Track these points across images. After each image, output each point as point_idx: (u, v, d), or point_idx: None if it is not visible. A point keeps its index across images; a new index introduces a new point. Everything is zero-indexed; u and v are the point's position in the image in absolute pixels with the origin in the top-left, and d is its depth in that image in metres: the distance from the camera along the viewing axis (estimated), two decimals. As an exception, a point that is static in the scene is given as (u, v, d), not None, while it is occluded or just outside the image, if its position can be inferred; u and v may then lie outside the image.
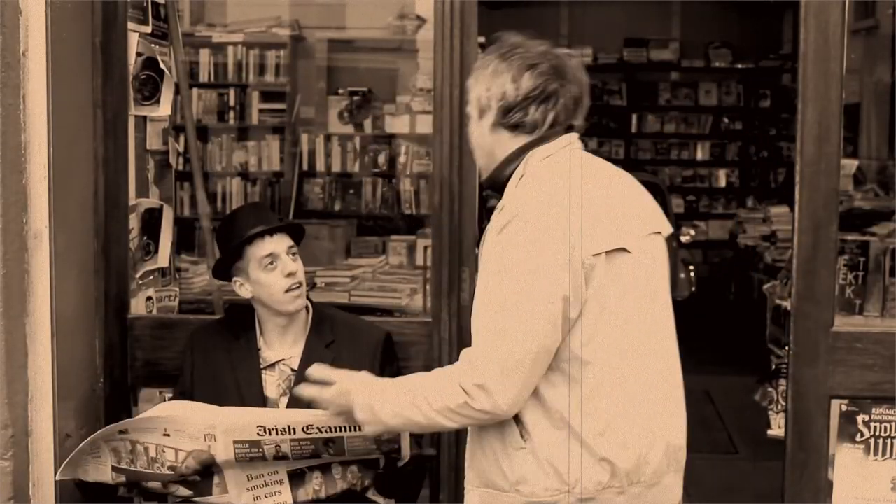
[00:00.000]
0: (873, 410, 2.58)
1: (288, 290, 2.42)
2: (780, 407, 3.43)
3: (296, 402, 2.42)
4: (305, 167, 5.87)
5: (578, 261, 1.83)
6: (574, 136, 2.00)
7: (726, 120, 8.58)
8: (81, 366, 2.63)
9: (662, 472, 1.92)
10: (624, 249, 1.89)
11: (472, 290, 2.66)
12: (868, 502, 2.60)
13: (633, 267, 1.90)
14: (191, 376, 2.51)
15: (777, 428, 3.37)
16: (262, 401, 2.45)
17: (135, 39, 2.78)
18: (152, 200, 3.02)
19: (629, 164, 7.80)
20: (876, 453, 2.59)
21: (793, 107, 2.58)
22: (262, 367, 2.48)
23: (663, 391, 1.95)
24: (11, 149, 2.38)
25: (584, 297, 1.84)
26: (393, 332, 2.61)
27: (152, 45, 2.89)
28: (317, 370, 2.09)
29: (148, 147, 3.00)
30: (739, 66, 8.31)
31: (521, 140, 1.97)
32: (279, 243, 2.44)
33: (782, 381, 3.18)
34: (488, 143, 2.01)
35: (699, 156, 8.66)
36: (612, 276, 1.87)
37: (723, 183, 8.67)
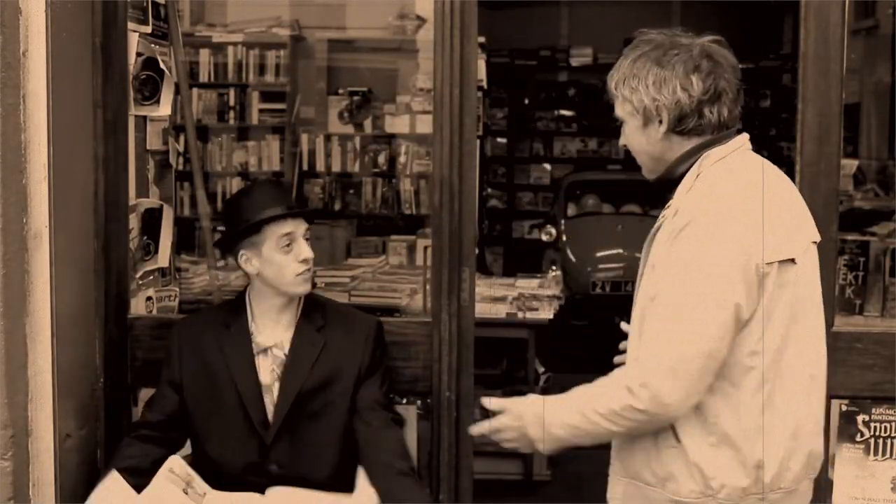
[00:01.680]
0: (873, 410, 2.59)
1: (299, 274, 2.43)
2: (780, 407, 3.42)
3: (287, 385, 2.43)
4: (305, 167, 5.88)
5: (753, 267, 1.81)
6: (745, 136, 1.97)
7: (726, 120, 8.57)
8: (81, 366, 2.63)
9: (801, 479, 1.93)
10: (792, 260, 1.88)
11: (471, 290, 2.67)
12: (868, 502, 2.60)
13: (797, 277, 1.89)
14: (179, 369, 2.49)
15: (777, 428, 3.37)
16: (256, 387, 2.44)
17: (135, 39, 2.77)
18: (152, 200, 3.01)
19: (629, 163, 7.78)
20: (876, 453, 2.59)
21: (793, 107, 2.58)
22: (255, 352, 2.47)
23: (809, 400, 1.95)
24: (11, 149, 2.38)
25: (756, 305, 1.83)
26: (393, 332, 2.61)
27: (152, 45, 2.89)
28: (491, 402, 2.04)
29: (148, 147, 3.00)
30: (739, 66, 8.31)
31: (694, 141, 1.93)
32: (298, 225, 2.44)
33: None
34: (658, 150, 1.96)
35: (699, 156, 8.65)
36: (780, 285, 1.85)
37: (723, 183, 8.65)
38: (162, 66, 2.89)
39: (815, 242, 2.00)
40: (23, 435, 2.43)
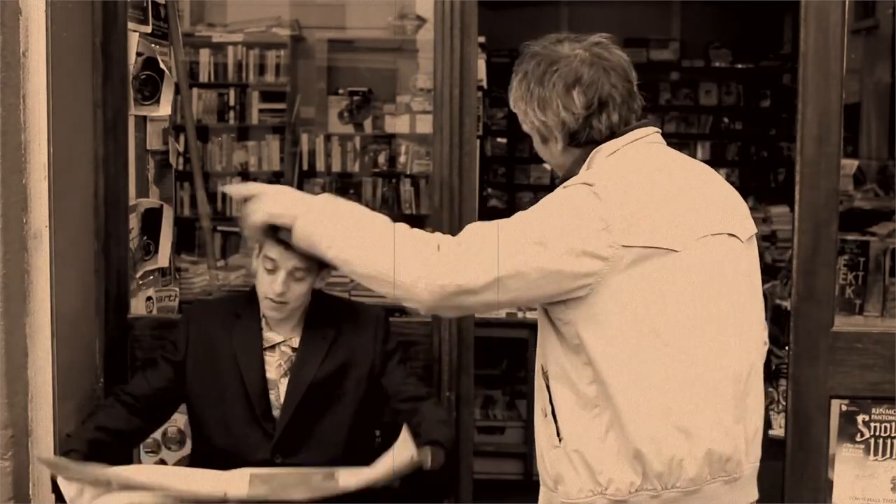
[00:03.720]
0: (873, 410, 2.59)
1: (268, 299, 2.38)
2: (780, 407, 3.43)
3: (296, 380, 2.41)
4: (305, 167, 5.88)
5: (606, 243, 1.76)
6: (648, 130, 1.95)
7: (726, 120, 8.56)
8: (81, 366, 2.63)
9: (703, 480, 1.84)
10: (669, 249, 1.80)
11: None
12: (868, 502, 2.60)
13: (679, 268, 1.81)
14: (185, 351, 2.46)
15: (777, 428, 3.38)
16: (263, 382, 2.42)
17: (135, 39, 2.78)
18: (152, 200, 3.02)
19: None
20: (876, 453, 2.59)
21: (793, 107, 2.58)
22: (263, 347, 2.45)
23: (709, 400, 1.84)
24: (11, 149, 2.38)
25: (591, 280, 1.76)
26: (394, 332, 2.61)
27: (152, 45, 2.89)
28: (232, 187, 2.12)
29: (148, 147, 3.01)
30: (739, 66, 8.29)
31: (594, 147, 1.93)
32: (285, 259, 2.33)
33: (782, 381, 3.19)
34: (562, 161, 1.98)
35: (699, 156, 8.64)
36: (648, 273, 1.78)
37: (723, 183, 8.65)
38: (162, 66, 2.89)
39: (735, 236, 1.91)
40: (23, 435, 2.44)
